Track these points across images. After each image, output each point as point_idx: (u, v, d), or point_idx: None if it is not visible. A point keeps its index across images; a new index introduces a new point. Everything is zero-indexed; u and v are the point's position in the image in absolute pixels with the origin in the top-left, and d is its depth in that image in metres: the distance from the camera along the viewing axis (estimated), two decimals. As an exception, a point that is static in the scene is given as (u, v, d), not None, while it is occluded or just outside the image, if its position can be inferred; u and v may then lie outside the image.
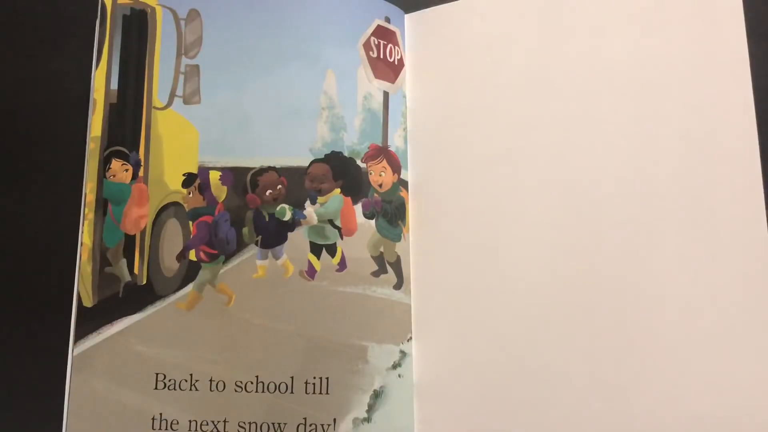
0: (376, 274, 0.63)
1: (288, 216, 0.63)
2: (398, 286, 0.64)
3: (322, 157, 0.64)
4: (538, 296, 0.61)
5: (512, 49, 0.66)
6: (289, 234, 0.63)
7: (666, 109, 0.61)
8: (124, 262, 0.63)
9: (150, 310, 0.62)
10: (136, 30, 0.66)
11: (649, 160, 0.61)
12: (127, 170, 0.65)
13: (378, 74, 0.67)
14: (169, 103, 0.65)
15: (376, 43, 0.67)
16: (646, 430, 0.57)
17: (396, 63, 0.68)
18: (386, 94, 0.67)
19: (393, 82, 0.68)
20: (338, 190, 0.65)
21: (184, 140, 0.65)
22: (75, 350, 0.60)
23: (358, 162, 0.65)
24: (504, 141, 0.65)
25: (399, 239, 0.65)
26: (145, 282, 0.63)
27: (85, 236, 0.63)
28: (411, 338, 0.62)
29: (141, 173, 0.64)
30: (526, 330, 0.61)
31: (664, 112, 0.61)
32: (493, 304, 0.62)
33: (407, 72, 0.69)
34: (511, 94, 0.65)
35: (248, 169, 0.64)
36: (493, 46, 0.67)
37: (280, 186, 0.64)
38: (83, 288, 0.62)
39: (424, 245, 0.65)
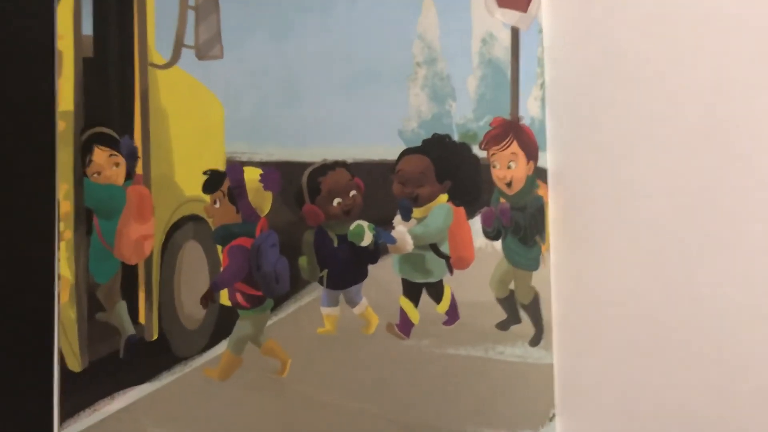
0: (503, 325, 0.54)
1: (368, 239, 0.53)
2: (536, 340, 0.54)
3: (419, 144, 0.54)
4: (746, 354, 0.50)
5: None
6: (371, 267, 0.54)
7: None
8: (123, 305, 0.52)
9: (166, 379, 0.52)
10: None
11: None
12: (117, 164, 0.52)
13: (502, 1, 0.55)
14: (175, 58, 0.52)
15: (499, -47, 0.56)
16: None
17: (529, -17, 0.57)
18: (515, 33, 0.55)
19: (525, 10, 0.55)
20: (445, 197, 0.54)
21: (201, 118, 0.53)
22: (62, 435, 0.52)
23: (475, 149, 0.55)
24: (690, 99, 0.52)
25: (537, 266, 0.55)
26: (156, 337, 0.53)
27: (63, 266, 0.51)
28: (554, 416, 0.54)
29: (139, 169, 0.53)
30: (720, 403, 0.51)
31: None
32: (676, 359, 0.52)
33: (546, -5, 0.57)
34: (696, 27, 0.52)
35: (304, 164, 0.53)
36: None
37: (353, 192, 0.53)
38: (66, 344, 0.51)
39: (574, 272, 0.54)
